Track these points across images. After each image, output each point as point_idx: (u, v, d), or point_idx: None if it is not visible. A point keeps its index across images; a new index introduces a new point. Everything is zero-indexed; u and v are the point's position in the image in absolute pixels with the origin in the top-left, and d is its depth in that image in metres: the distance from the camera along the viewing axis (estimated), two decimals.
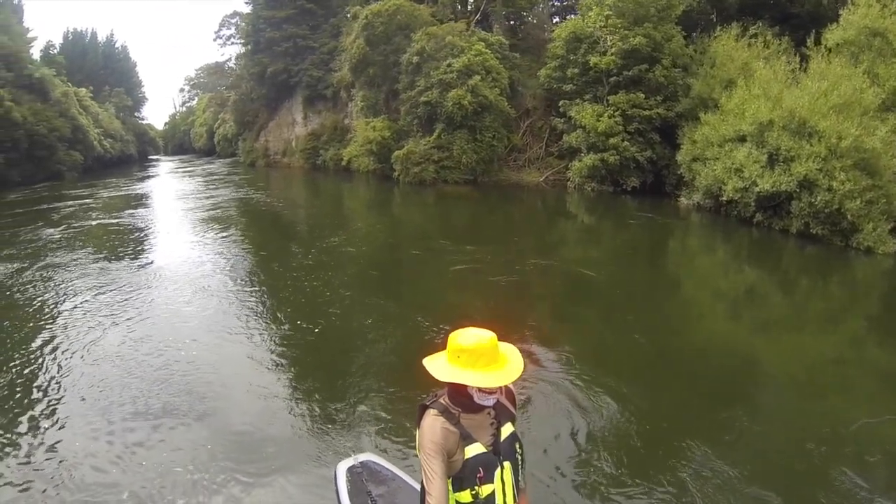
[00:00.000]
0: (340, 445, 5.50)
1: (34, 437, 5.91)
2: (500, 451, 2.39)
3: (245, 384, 7.00)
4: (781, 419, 6.18)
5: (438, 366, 2.36)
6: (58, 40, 73.08)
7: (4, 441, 5.86)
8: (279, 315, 9.87)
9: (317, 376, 7.35)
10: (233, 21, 57.67)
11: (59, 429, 6.05)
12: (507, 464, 2.40)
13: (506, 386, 2.54)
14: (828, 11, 19.57)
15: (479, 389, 2.33)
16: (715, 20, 23.21)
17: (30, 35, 51.92)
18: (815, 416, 6.23)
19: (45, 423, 6.18)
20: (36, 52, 55.35)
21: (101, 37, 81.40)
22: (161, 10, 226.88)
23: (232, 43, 60.49)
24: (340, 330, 9.09)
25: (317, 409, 6.36)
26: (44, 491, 5.01)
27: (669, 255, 15.48)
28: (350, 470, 3.45)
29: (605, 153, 22.72)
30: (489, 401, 2.37)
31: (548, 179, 27.36)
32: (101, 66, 76.02)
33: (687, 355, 8.04)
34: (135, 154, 70.53)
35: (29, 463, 5.43)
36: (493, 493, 2.35)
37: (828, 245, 14.59)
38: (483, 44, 27.86)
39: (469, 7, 35.46)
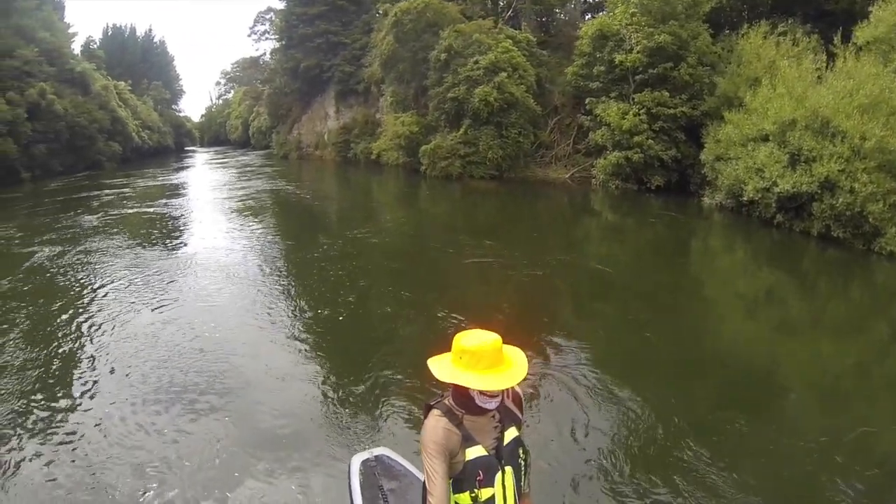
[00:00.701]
0: (357, 437, 5.65)
1: (64, 412, 6.31)
2: (502, 456, 2.39)
3: (268, 370, 7.28)
4: (802, 428, 6.00)
5: (441, 366, 2.37)
6: (98, 36, 75.59)
7: (35, 414, 6.28)
8: (305, 302, 10.26)
9: (339, 365, 7.56)
10: (267, 17, 58.97)
11: (86, 406, 6.42)
12: (508, 468, 2.39)
13: (513, 389, 2.55)
14: (863, 9, 18.89)
15: (481, 392, 2.32)
16: (747, 16, 22.94)
17: (71, 31, 53.73)
18: (836, 426, 6.03)
19: (74, 400, 6.60)
20: (77, 48, 57.45)
21: (140, 32, 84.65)
22: (198, 5, 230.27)
23: (266, 38, 62.06)
24: (364, 319, 9.47)
25: (337, 400, 6.54)
26: (68, 464, 5.30)
27: (688, 254, 15.43)
28: (364, 463, 3.45)
29: (630, 151, 22.70)
30: (491, 404, 2.36)
31: (573, 176, 27.45)
32: (139, 61, 78.48)
33: (704, 357, 8.00)
34: (171, 145, 72.88)
35: (56, 436, 5.77)
36: (492, 497, 2.34)
37: (849, 248, 14.25)
38: (510, 41, 28.16)
39: (500, 5, 35.72)
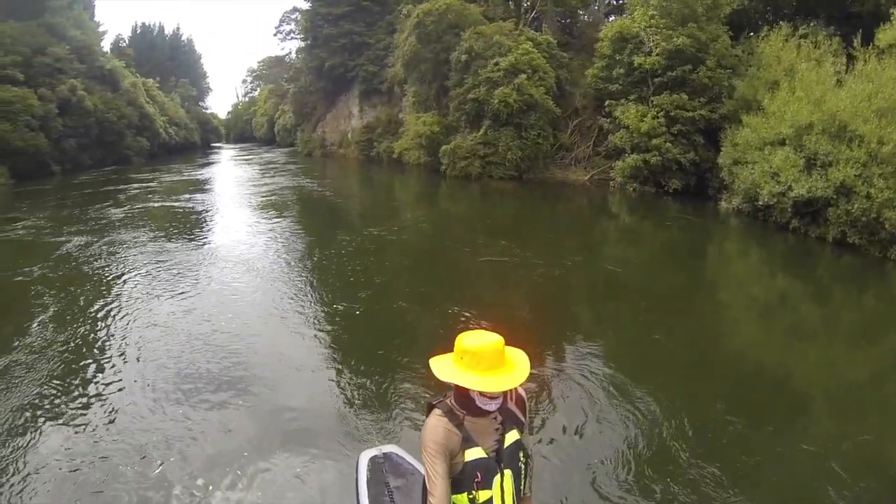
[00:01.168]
0: (368, 433, 5.71)
1: (83, 394, 6.64)
2: (502, 458, 2.38)
3: (284, 361, 7.51)
4: (813, 436, 5.93)
5: (442, 366, 2.38)
6: (127, 34, 77.18)
7: (56, 396, 6.61)
8: (323, 296, 10.53)
9: (354, 360, 7.68)
10: (293, 17, 59.80)
11: (105, 391, 6.72)
12: (508, 471, 2.38)
13: (516, 393, 2.56)
14: (888, 11, 18.46)
15: (481, 393, 2.32)
16: (770, 18, 22.76)
17: (101, 29, 55.04)
18: (846, 434, 5.95)
19: (94, 382, 6.95)
20: (106, 45, 58.81)
21: (168, 30, 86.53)
22: (226, 4, 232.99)
23: (292, 38, 62.85)
24: (380, 314, 9.65)
25: (350, 395, 6.64)
26: (87, 449, 5.48)
27: (701, 258, 15.36)
28: (372, 460, 3.47)
29: (648, 154, 22.72)
30: (491, 405, 2.36)
31: (592, 178, 27.51)
32: (167, 58, 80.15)
33: (715, 361, 7.95)
34: (198, 141, 74.17)
35: (75, 416, 6.08)
36: (490, 500, 2.34)
37: (864, 255, 14.08)
38: (531, 43, 28.34)
39: (524, 6, 35.86)
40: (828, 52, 18.68)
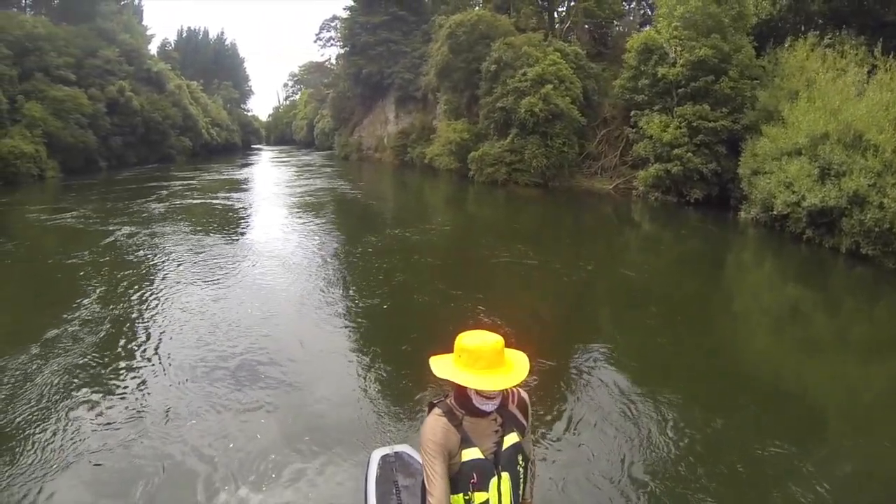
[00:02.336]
0: (383, 431, 5.83)
1: (117, 376, 7.15)
2: (500, 461, 2.37)
3: (310, 352, 7.91)
4: (831, 453, 5.80)
5: (441, 363, 2.39)
6: (173, 38, 79.88)
7: (96, 368, 7.24)
8: (351, 291, 11.12)
9: (377, 355, 7.90)
10: (332, 24, 61.24)
11: (138, 374, 7.20)
12: (505, 474, 2.36)
13: (518, 395, 2.54)
14: None
15: (478, 393, 2.32)
16: (801, 29, 22.54)
17: (148, 33, 57.87)
18: (865, 453, 5.82)
19: (129, 363, 7.51)
20: (153, 49, 61.51)
21: (213, 35, 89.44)
22: (270, 11, 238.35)
23: (331, 45, 64.13)
24: (404, 311, 10.06)
25: (372, 391, 6.82)
26: (112, 433, 5.75)
27: (713, 268, 15.21)
28: (384, 458, 3.47)
29: (670, 164, 22.94)
30: (488, 406, 2.36)
31: (617, 188, 27.80)
32: (211, 62, 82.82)
33: (725, 372, 7.83)
34: (239, 143, 75.98)
35: (109, 393, 6.51)
36: (486, 502, 2.33)
37: (878, 267, 13.86)
38: (558, 54, 28.92)
39: (556, 17, 36.54)
40: (852, 62, 18.48)
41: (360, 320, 9.46)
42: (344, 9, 52.73)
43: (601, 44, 34.71)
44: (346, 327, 9.13)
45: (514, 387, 2.46)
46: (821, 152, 15.80)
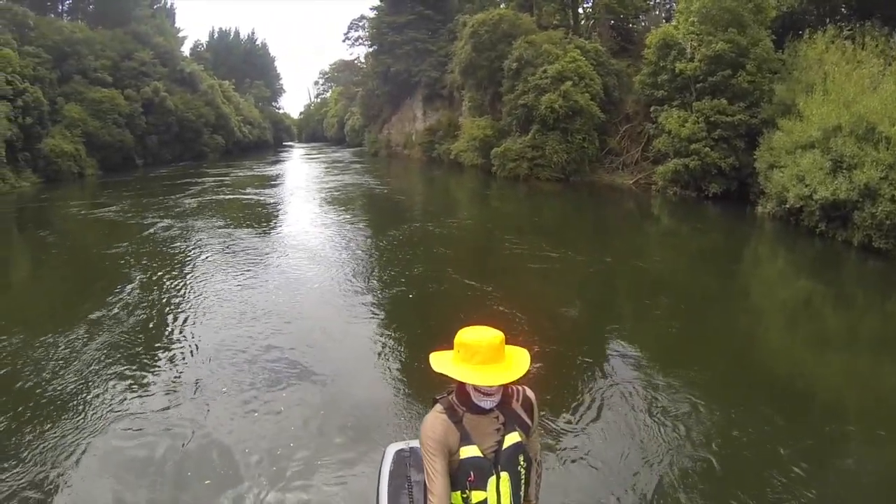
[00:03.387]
0: (401, 424, 5.90)
1: (154, 356, 7.64)
2: (499, 460, 2.33)
3: (335, 342, 8.19)
4: (851, 453, 5.71)
5: (440, 358, 2.39)
6: (205, 39, 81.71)
7: (130, 358, 7.60)
8: (377, 281, 11.60)
9: (402, 346, 8.11)
10: (360, 24, 62.02)
11: (171, 361, 7.58)
12: (504, 474, 2.32)
13: (523, 394, 2.50)
14: None
15: (476, 388, 2.32)
16: (826, 20, 22.24)
17: (181, 35, 60.31)
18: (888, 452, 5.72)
19: (162, 350, 7.92)
20: (186, 50, 63.96)
21: (243, 35, 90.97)
22: (301, 10, 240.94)
23: (360, 44, 64.90)
24: (428, 303, 10.33)
25: (394, 382, 6.96)
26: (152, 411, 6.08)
27: (726, 262, 15.08)
28: (398, 453, 3.41)
29: (688, 158, 23.00)
30: (486, 402, 2.35)
31: (638, 182, 28.00)
32: (242, 61, 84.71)
33: (744, 369, 7.74)
34: (270, 140, 77.71)
35: (136, 396, 6.58)
36: (484, 501, 2.31)
37: (891, 260, 13.88)
38: (578, 51, 29.27)
39: (582, 14, 36.87)
40: (872, 54, 18.32)
41: (384, 310, 9.83)
42: (371, 9, 53.84)
43: (627, 40, 34.69)
44: (370, 317, 9.41)
45: (520, 385, 2.49)
46: (833, 145, 15.79)
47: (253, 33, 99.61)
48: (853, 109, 15.81)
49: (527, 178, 29.88)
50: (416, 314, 9.82)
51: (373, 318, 9.44)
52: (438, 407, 2.38)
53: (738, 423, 6.04)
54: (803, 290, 12.72)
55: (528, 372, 2.32)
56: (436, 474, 2.27)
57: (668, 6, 36.76)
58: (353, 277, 11.77)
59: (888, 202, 13.95)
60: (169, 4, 63.51)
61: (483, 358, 2.25)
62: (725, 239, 17.95)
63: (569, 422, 6.10)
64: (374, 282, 11.63)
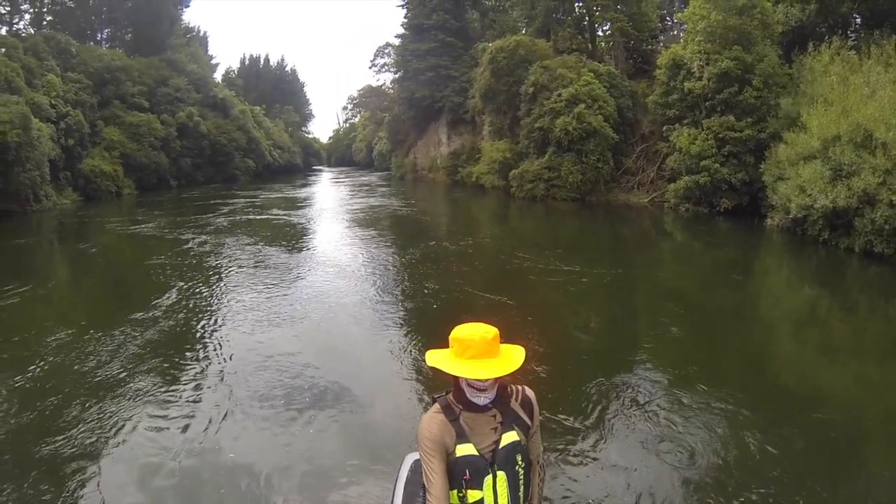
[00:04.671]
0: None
1: (183, 360, 7.98)
2: (496, 459, 2.32)
3: (360, 354, 8.39)
4: (875, 466, 5.54)
5: (435, 354, 2.40)
6: (236, 65, 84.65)
7: (162, 361, 7.92)
8: (401, 296, 11.97)
9: (422, 356, 7.84)
10: (385, 51, 63.97)
11: (201, 357, 8.05)
12: (501, 473, 2.31)
13: (523, 393, 2.50)
14: None
15: (469, 384, 2.32)
16: (839, 31, 22.39)
17: (213, 62, 63.10)
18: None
19: (194, 352, 8.34)
20: (218, 76, 66.69)
21: (273, 61, 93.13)
22: (331, 36, 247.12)
23: (385, 70, 66.89)
24: (452, 315, 10.51)
25: (421, 397, 6.85)
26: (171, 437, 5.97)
27: (731, 273, 15.04)
28: (416, 462, 3.33)
29: (698, 175, 23.44)
30: (480, 398, 2.35)
31: (653, 201, 28.47)
32: (272, 87, 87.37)
33: (757, 378, 7.70)
34: (300, 164, 79.66)
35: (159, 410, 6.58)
36: (481, 501, 2.30)
37: (894, 265, 14.07)
38: (592, 74, 30.16)
39: (602, 36, 37.89)
40: (877, 63, 18.38)
41: (409, 321, 10.12)
42: (396, 36, 55.86)
43: (645, 61, 35.15)
44: (396, 328, 9.69)
45: (520, 384, 2.52)
46: (832, 154, 16.10)
47: (282, 60, 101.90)
48: (851, 118, 16.15)
49: (543, 198, 30.63)
50: (439, 325, 9.63)
51: (398, 328, 9.73)
52: (435, 406, 2.39)
53: (753, 434, 5.86)
54: (807, 299, 12.86)
55: (524, 368, 2.33)
56: (433, 474, 2.27)
57: (684, 26, 37.12)
58: (379, 291, 12.13)
59: (886, 207, 14.22)
60: (202, 33, 67.06)
61: (475, 352, 2.26)
62: (733, 252, 18.16)
63: (579, 426, 6.15)
64: (399, 295, 12.01)
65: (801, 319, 11.19)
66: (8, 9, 41.65)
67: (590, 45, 36.96)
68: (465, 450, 2.29)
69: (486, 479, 2.28)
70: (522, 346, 2.42)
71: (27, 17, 43.34)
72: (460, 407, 2.36)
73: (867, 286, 13.85)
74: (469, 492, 2.28)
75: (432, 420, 2.34)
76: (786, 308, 11.98)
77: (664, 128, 26.52)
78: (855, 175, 15.21)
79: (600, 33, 38.24)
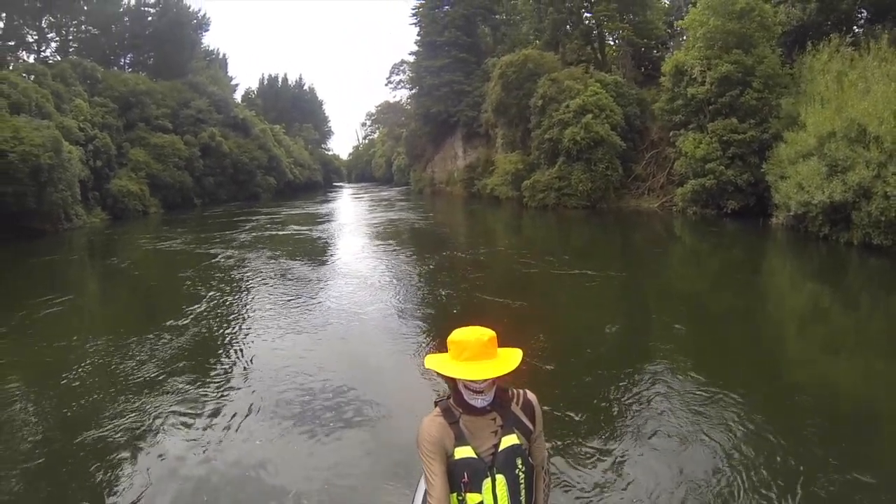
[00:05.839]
0: None
1: (210, 367, 8.23)
2: (495, 462, 2.32)
3: (387, 367, 8.38)
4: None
5: (434, 357, 2.42)
6: (255, 85, 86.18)
7: (190, 366, 8.19)
8: (424, 303, 12.27)
9: None
10: (401, 68, 65.19)
11: (227, 365, 8.29)
12: (500, 477, 2.30)
13: (524, 397, 2.50)
14: None
15: (466, 386, 2.33)
16: (843, 29, 22.14)
17: (233, 83, 64.65)
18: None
19: (220, 360, 8.58)
20: (238, 97, 68.54)
21: (291, 80, 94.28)
22: (348, 54, 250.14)
23: (401, 87, 68.16)
24: (471, 318, 11.17)
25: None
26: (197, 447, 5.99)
27: (734, 271, 15.41)
28: None
29: (704, 178, 23.82)
30: (477, 401, 2.35)
31: (663, 206, 28.94)
32: (291, 106, 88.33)
33: (764, 375, 7.67)
34: (320, 180, 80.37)
35: (186, 423, 6.57)
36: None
37: (891, 256, 14.30)
38: (598, 84, 30.90)
39: (613, 46, 38.50)
40: (875, 58, 18.49)
41: (427, 331, 10.18)
42: (410, 54, 57.60)
43: (655, 69, 35.22)
44: (413, 338, 9.79)
45: (521, 388, 2.52)
46: (827, 150, 16.43)
47: (300, 78, 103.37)
48: (844, 114, 16.46)
49: (555, 207, 31.33)
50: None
51: (419, 336, 9.89)
52: (436, 409, 2.40)
53: (768, 431, 5.84)
54: (809, 295, 13.00)
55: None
56: (434, 476, 2.27)
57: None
58: (400, 300, 12.37)
59: (881, 199, 14.50)
60: (221, 55, 68.84)
61: (471, 354, 2.27)
62: (737, 251, 18.53)
63: (592, 422, 6.22)
64: (419, 303, 12.33)
65: (804, 315, 11.25)
66: (35, 37, 43.45)
67: (598, 56, 37.67)
68: (463, 452, 2.29)
69: (484, 482, 2.28)
70: (523, 348, 2.45)
71: (53, 45, 45.17)
72: (460, 410, 2.37)
73: (867, 278, 14.05)
74: (468, 495, 2.28)
75: (432, 423, 2.35)
76: (789, 305, 12.16)
77: (671, 133, 26.98)
78: (850, 170, 15.51)
79: (611, 42, 38.90)
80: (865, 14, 23.40)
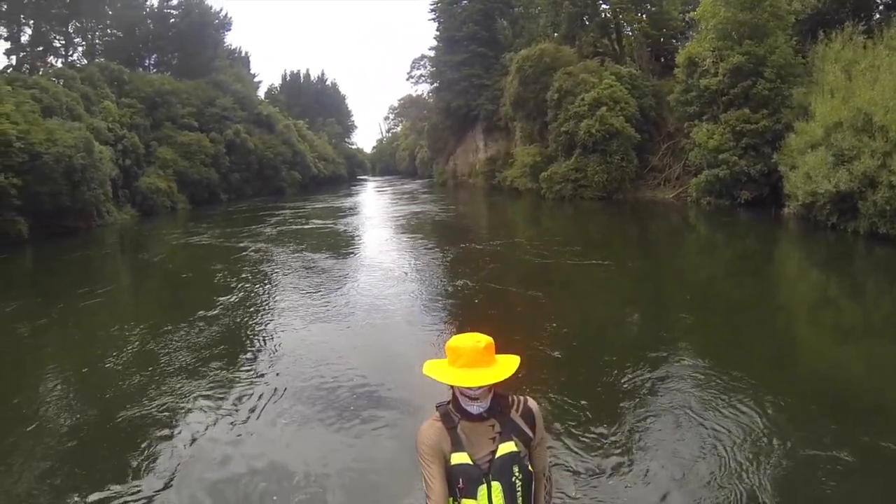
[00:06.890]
0: None
1: (239, 356, 8.55)
2: (491, 469, 2.30)
3: (413, 360, 7.63)
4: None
5: (432, 364, 2.39)
6: (278, 81, 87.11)
7: (219, 354, 8.53)
8: (446, 293, 12.52)
9: None
10: (421, 62, 65.98)
11: (255, 354, 8.62)
12: (497, 484, 2.28)
13: (524, 404, 2.47)
14: None
15: (461, 393, 2.33)
16: (861, 15, 21.93)
17: (256, 80, 65.90)
18: None
19: (248, 349, 8.89)
20: (262, 93, 69.76)
21: (314, 76, 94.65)
22: (371, 47, 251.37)
23: (422, 81, 68.98)
24: (492, 308, 10.88)
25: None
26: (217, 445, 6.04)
27: (743, 261, 15.90)
28: None
29: (717, 169, 23.90)
30: (473, 407, 2.34)
31: (678, 196, 29.22)
32: (314, 101, 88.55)
33: (773, 363, 7.70)
34: (345, 174, 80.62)
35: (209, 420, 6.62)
36: None
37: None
38: (613, 77, 31.24)
39: (631, 38, 38.39)
40: (887, 47, 18.46)
41: (452, 321, 10.38)
42: (430, 49, 57.90)
43: (672, 59, 35.05)
44: (437, 328, 9.97)
45: (522, 395, 2.51)
46: (834, 140, 16.57)
47: (322, 74, 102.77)
48: (851, 104, 16.56)
49: (572, 198, 31.81)
50: (482, 322, 8.69)
51: (444, 326, 10.07)
52: (435, 414, 2.40)
53: (789, 424, 5.84)
54: (815, 283, 13.23)
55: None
56: (432, 479, 2.27)
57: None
58: (424, 291, 12.78)
59: (887, 188, 14.67)
60: (244, 53, 69.92)
61: (466, 361, 2.26)
62: (748, 241, 18.88)
63: (602, 412, 6.28)
64: (440, 293, 12.64)
65: (811, 304, 11.43)
66: (63, 42, 44.93)
67: (615, 47, 37.79)
68: (459, 458, 2.29)
69: (480, 488, 2.27)
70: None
71: (80, 49, 46.54)
72: (459, 416, 2.36)
73: (874, 267, 14.25)
74: (464, 500, 2.29)
75: (430, 427, 2.35)
76: (796, 294, 12.39)
77: (686, 124, 27.13)
78: (856, 159, 15.65)
79: (629, 32, 38.79)
80: (877, 4, 23.24)
